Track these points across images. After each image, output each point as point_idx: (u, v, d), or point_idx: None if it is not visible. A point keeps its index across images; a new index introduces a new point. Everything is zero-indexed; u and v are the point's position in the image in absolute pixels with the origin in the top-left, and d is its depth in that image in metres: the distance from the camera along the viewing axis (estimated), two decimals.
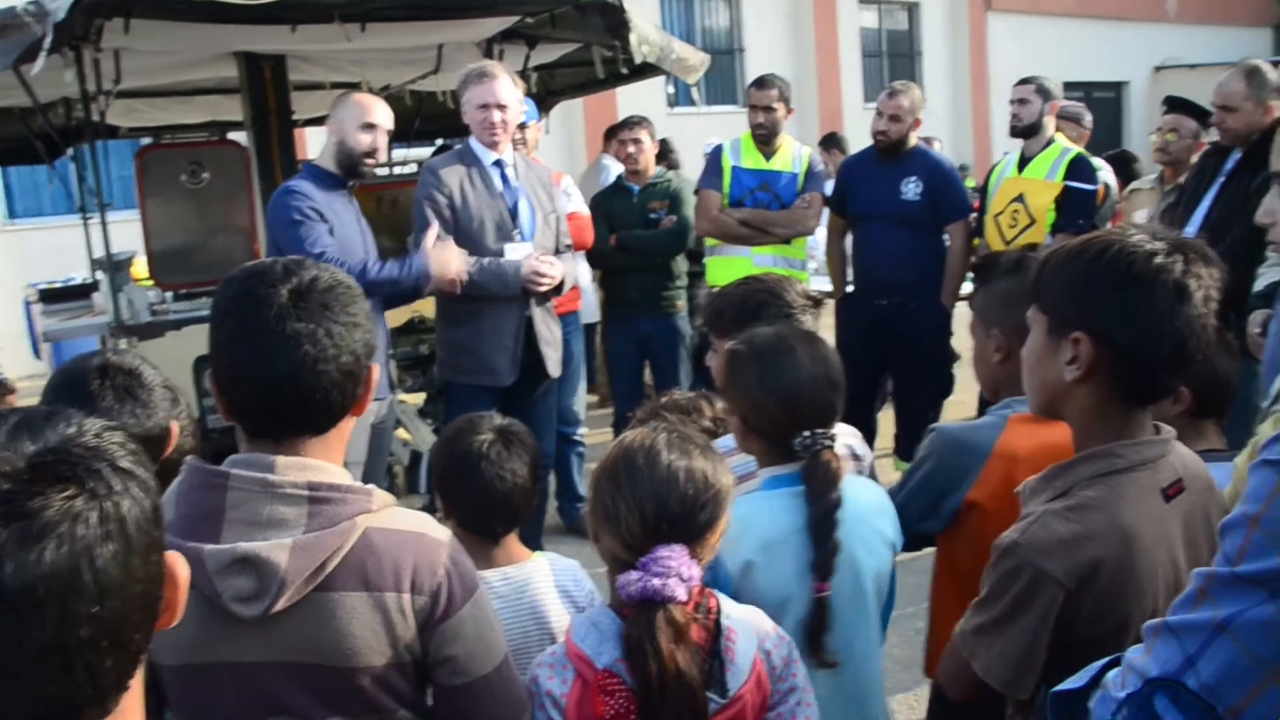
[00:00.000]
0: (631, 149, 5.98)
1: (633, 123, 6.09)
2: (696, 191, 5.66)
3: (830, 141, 9.43)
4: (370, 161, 4.10)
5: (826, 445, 2.00)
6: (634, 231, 5.86)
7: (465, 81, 4.31)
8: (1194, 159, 5.43)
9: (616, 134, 6.37)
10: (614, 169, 6.80)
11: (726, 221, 5.48)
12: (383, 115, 4.10)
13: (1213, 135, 4.90)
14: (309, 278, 1.60)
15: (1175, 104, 5.63)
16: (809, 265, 6.08)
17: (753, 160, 5.56)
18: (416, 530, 1.63)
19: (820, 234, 5.99)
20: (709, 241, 5.76)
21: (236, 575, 1.50)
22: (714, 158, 5.62)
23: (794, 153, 5.63)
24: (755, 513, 1.97)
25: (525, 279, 4.25)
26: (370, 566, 1.57)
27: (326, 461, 1.61)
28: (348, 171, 4.11)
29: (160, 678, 1.59)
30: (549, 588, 2.24)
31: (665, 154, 7.56)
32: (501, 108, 4.26)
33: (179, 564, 0.91)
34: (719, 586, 1.89)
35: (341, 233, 4.02)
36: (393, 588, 1.58)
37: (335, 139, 4.09)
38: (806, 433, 1.99)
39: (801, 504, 1.98)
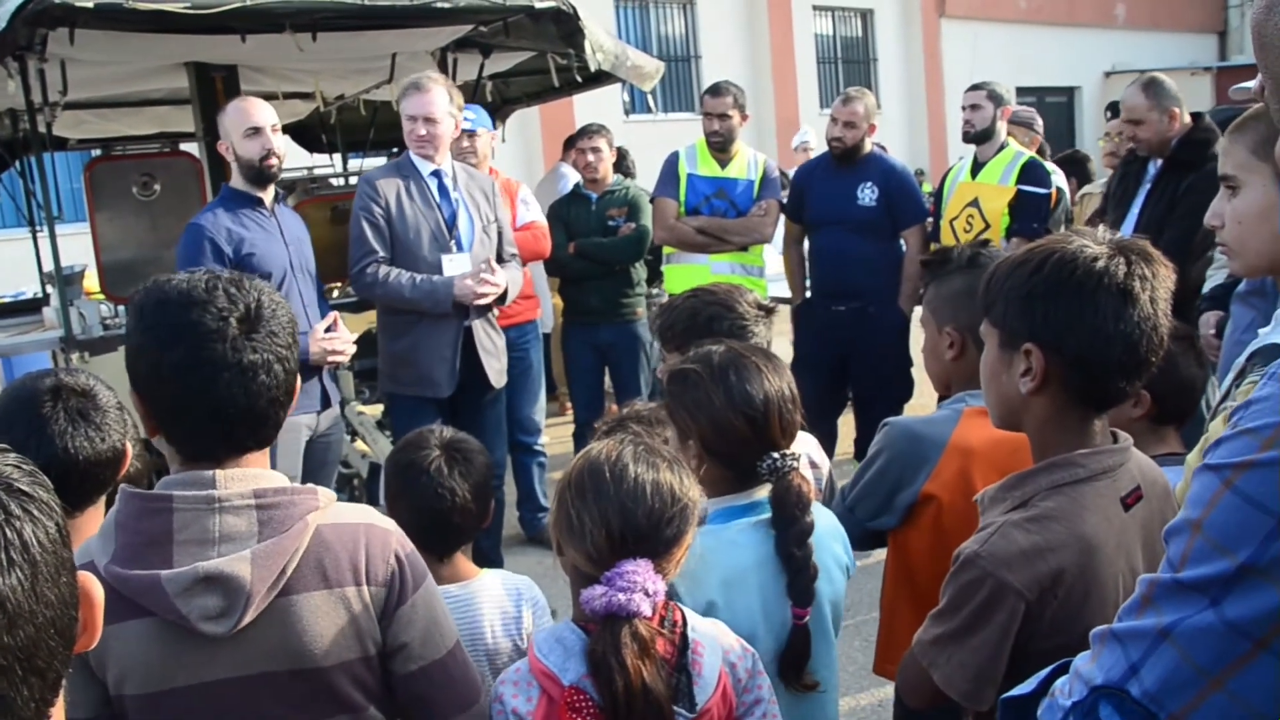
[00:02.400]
0: (591, 157, 5.97)
1: (591, 131, 6.09)
2: (652, 200, 5.64)
3: None
4: (271, 164, 4.00)
5: (794, 467, 1.94)
6: (592, 239, 5.85)
7: (402, 93, 4.34)
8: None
9: (575, 142, 6.36)
10: (572, 177, 6.79)
11: (683, 230, 5.49)
12: (264, 115, 4.01)
13: None
14: (254, 303, 1.58)
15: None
16: (767, 271, 6.09)
17: (708, 168, 5.57)
18: (365, 521, 1.66)
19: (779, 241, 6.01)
20: (667, 250, 5.75)
21: (201, 595, 1.49)
22: (669, 165, 5.62)
23: (749, 160, 5.64)
24: (714, 548, 1.89)
25: (460, 297, 4.22)
26: (327, 563, 1.59)
27: (261, 468, 1.61)
28: (256, 181, 4.03)
29: (124, 708, 1.55)
30: (493, 608, 2.22)
31: (620, 161, 7.55)
32: (430, 121, 4.26)
33: (92, 584, 0.89)
34: None
35: (262, 251, 3.98)
36: (351, 581, 1.60)
37: (231, 157, 4.03)
38: (775, 454, 1.93)
39: (758, 535, 1.93)
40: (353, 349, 4.23)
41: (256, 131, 3.97)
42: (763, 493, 1.97)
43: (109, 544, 1.52)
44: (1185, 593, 1.02)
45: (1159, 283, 1.59)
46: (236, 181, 4.08)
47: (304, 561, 1.56)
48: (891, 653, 2.29)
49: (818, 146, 9.34)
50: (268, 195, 4.10)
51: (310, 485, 1.62)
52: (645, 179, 6.45)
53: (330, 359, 4.10)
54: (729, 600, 1.88)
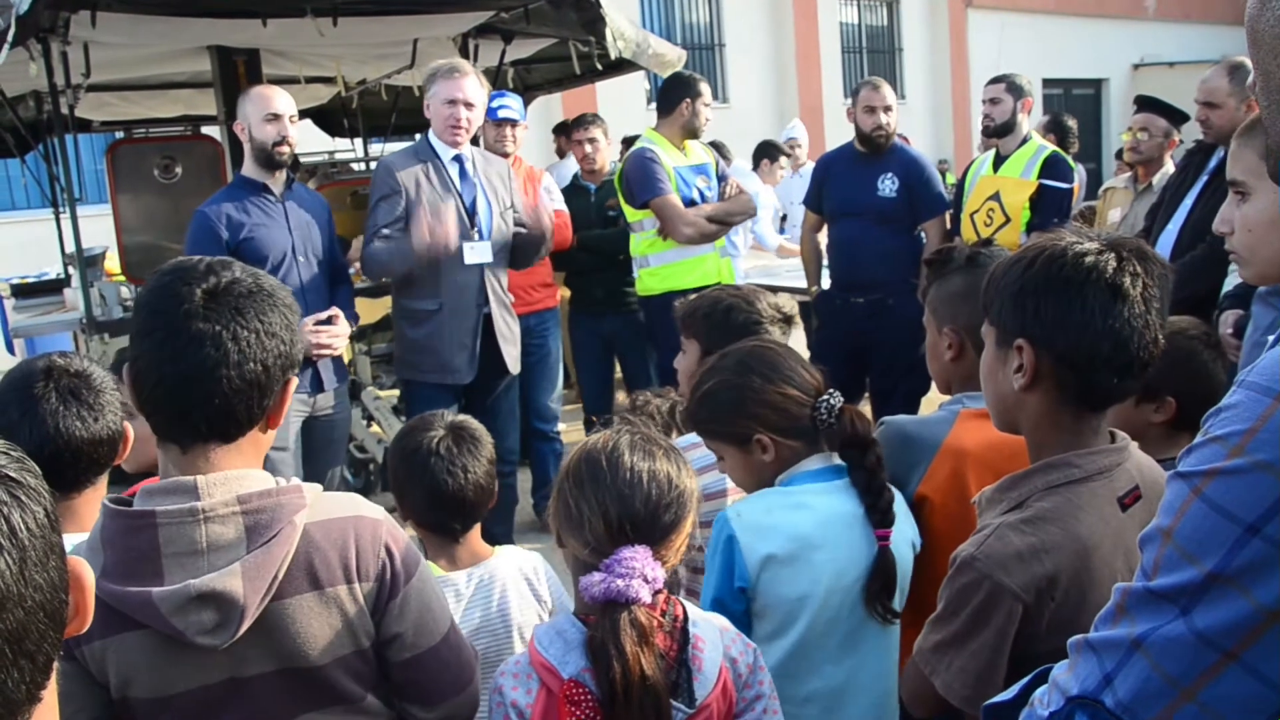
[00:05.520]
0: (588, 148, 5.95)
1: (586, 121, 6.05)
2: (649, 203, 5.21)
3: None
4: (283, 150, 4.06)
5: (842, 403, 2.06)
6: (593, 231, 5.83)
7: (434, 76, 4.30)
8: (1168, 157, 5.46)
9: (570, 132, 6.28)
10: (573, 167, 6.73)
11: (702, 223, 5.36)
12: (284, 104, 4.08)
13: (1187, 133, 4.90)
14: (227, 279, 1.57)
15: (1145, 103, 5.67)
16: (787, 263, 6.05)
17: (679, 158, 5.37)
18: (353, 514, 1.64)
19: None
20: (653, 248, 5.34)
21: (196, 611, 1.48)
22: (654, 163, 5.23)
23: (697, 145, 5.50)
24: (783, 506, 2.00)
25: (418, 249, 4.18)
26: (318, 563, 1.57)
27: (248, 466, 1.59)
28: (266, 165, 4.08)
29: (130, 710, 1.56)
30: (514, 581, 2.25)
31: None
32: (469, 105, 4.25)
33: (83, 568, 0.89)
34: (735, 578, 1.95)
35: (261, 236, 4.03)
36: (341, 580, 1.59)
37: (245, 139, 4.08)
38: (823, 397, 2.05)
39: (834, 498, 2.01)
40: (344, 343, 4.26)
41: (276, 118, 4.02)
42: (816, 463, 2.07)
43: (97, 558, 1.50)
44: (1156, 602, 1.01)
45: (1153, 280, 1.57)
46: (248, 168, 4.14)
47: (294, 564, 1.54)
48: None
49: (804, 144, 9.33)
50: (276, 181, 4.13)
51: (295, 483, 1.59)
52: None
53: (318, 352, 4.12)
54: (792, 557, 1.96)
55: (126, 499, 1.57)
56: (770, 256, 8.31)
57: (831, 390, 2.07)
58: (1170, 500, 1.03)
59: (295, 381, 1.67)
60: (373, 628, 1.64)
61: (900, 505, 2.10)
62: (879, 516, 1.99)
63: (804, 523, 1.98)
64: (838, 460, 2.08)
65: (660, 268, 5.36)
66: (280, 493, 1.55)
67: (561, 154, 7.39)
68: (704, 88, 5.40)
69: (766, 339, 2.17)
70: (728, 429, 2.10)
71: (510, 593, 2.23)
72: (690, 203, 5.27)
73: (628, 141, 7.96)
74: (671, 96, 5.35)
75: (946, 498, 2.10)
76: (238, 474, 1.55)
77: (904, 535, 2.08)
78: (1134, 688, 1.02)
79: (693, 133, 5.40)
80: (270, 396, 1.59)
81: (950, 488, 2.10)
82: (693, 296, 2.72)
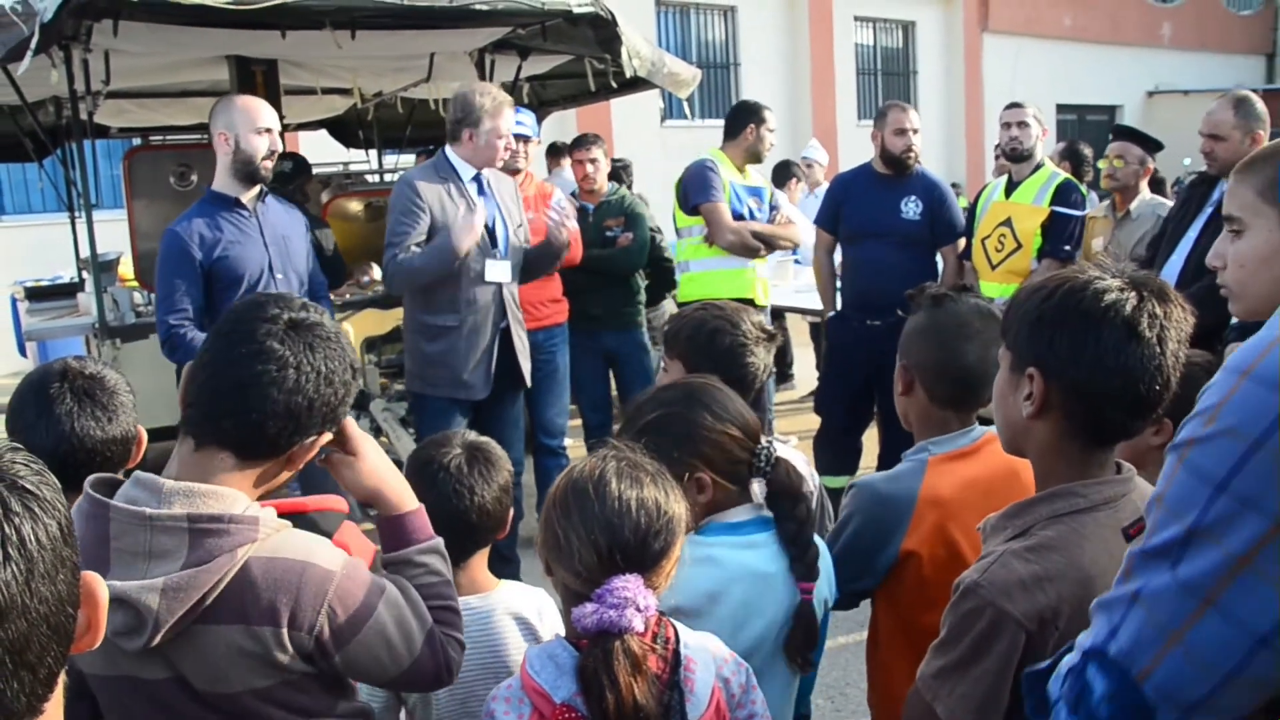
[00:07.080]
0: (589, 168, 6.05)
1: (588, 141, 6.14)
2: (697, 208, 5.55)
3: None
4: (269, 165, 3.98)
5: (778, 452, 2.02)
6: (592, 251, 5.87)
7: (480, 110, 4.28)
8: (1144, 184, 5.58)
9: (570, 152, 6.35)
10: (569, 185, 6.77)
11: (746, 235, 5.51)
12: (272, 118, 4.02)
13: (1163, 161, 4.94)
14: (314, 320, 1.66)
15: (1121, 132, 5.82)
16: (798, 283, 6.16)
17: (738, 177, 5.63)
18: (301, 560, 1.61)
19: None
20: (696, 254, 5.67)
21: (113, 612, 1.49)
22: (712, 173, 5.54)
23: (753, 169, 5.78)
24: (691, 560, 1.87)
25: (458, 238, 4.19)
26: (248, 600, 1.56)
27: (231, 488, 1.60)
28: (246, 179, 3.99)
29: (86, 684, 1.63)
30: (511, 623, 2.20)
31: (618, 175, 7.63)
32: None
33: (97, 584, 0.90)
34: None
35: (236, 254, 3.96)
36: (270, 622, 1.57)
37: (228, 149, 3.96)
38: (762, 444, 1.99)
39: (749, 554, 1.95)
40: None
41: (267, 130, 3.97)
42: (741, 514, 2.00)
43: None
44: (1151, 559, 1.14)
45: (1170, 323, 1.58)
46: (221, 182, 4.04)
47: (226, 594, 1.54)
48: (894, 706, 2.24)
49: (824, 164, 9.38)
50: (249, 195, 4.05)
51: (262, 516, 1.60)
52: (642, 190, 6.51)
53: None
54: (698, 608, 1.88)
55: (116, 480, 1.63)
56: (784, 277, 8.33)
57: (770, 438, 2.01)
58: (1165, 470, 1.17)
59: (328, 437, 1.70)
60: (308, 666, 1.63)
61: (825, 563, 2.05)
62: (804, 570, 1.95)
63: (707, 579, 1.90)
64: (765, 512, 2.02)
65: (700, 273, 5.64)
66: (234, 520, 1.56)
67: (550, 172, 7.52)
68: (768, 115, 5.66)
69: (710, 379, 2.10)
70: (666, 463, 1.93)
71: (507, 633, 2.18)
72: (739, 217, 5.55)
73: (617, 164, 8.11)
74: (738, 121, 5.68)
75: (934, 548, 2.09)
76: (206, 490, 1.57)
77: (820, 593, 2.02)
78: (1132, 635, 1.14)
79: (755, 156, 5.67)
80: (302, 435, 1.63)
81: (937, 539, 2.09)
82: (674, 314, 2.72)
